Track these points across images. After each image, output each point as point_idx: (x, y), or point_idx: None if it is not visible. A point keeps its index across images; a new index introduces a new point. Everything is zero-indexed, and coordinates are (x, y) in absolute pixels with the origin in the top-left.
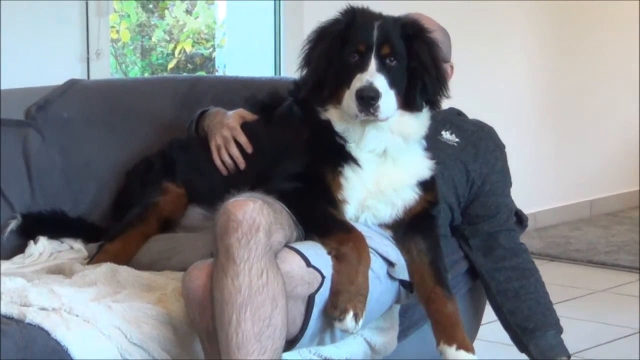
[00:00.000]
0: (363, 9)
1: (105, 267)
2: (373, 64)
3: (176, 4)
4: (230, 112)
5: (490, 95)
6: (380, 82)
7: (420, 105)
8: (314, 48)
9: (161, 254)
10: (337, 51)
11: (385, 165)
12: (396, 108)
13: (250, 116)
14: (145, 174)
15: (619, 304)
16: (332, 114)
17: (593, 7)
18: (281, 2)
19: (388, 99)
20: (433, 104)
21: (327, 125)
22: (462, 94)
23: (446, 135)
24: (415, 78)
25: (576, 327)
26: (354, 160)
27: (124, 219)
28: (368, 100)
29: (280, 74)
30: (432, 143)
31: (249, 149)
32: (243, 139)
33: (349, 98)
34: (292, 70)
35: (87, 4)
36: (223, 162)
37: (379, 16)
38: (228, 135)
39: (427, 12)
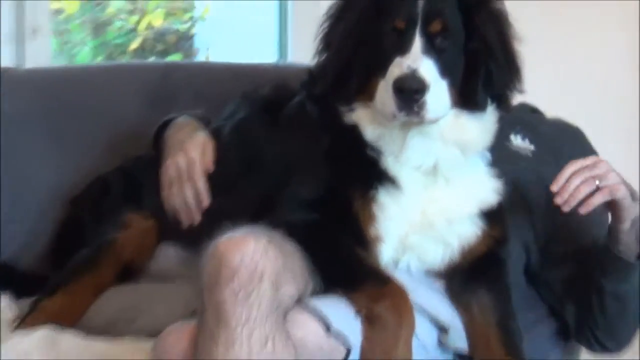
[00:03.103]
0: None
1: (42, 333)
2: (418, 43)
3: None
4: (201, 134)
5: (576, 88)
6: (427, 68)
7: (484, 102)
8: (335, 25)
9: (121, 313)
10: (368, 28)
11: (436, 187)
12: (450, 106)
13: (211, 154)
14: (100, 200)
15: None
16: (361, 116)
17: None
18: None
19: (438, 92)
20: (501, 101)
21: (355, 131)
22: (538, 86)
23: (517, 141)
24: (476, 64)
25: None
26: (392, 181)
27: (68, 263)
28: (410, 93)
29: (287, 58)
30: (499, 153)
31: (203, 201)
32: (200, 184)
33: (384, 91)
34: (304, 53)
35: None
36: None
37: None
38: (184, 166)
39: None
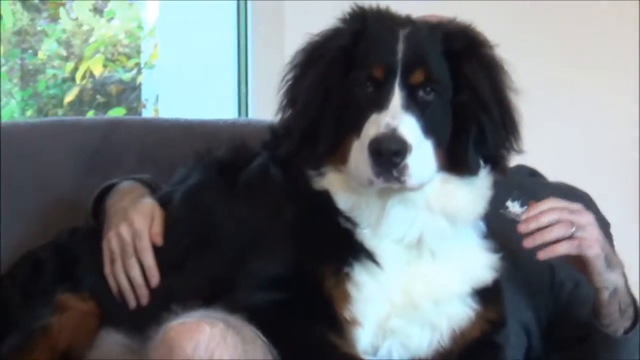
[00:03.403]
0: (379, 11)
1: None
2: (397, 97)
3: None
4: (148, 201)
5: (578, 146)
6: (408, 126)
7: (476, 164)
8: (301, 77)
9: None
10: (338, 79)
11: (420, 262)
12: (435, 169)
13: (160, 225)
14: (30, 279)
15: None
16: (332, 181)
17: None
18: None
19: (422, 154)
20: (496, 162)
21: (325, 197)
22: (534, 143)
23: (515, 208)
24: (467, 120)
25: None
26: (369, 255)
27: None
28: (389, 156)
29: (247, 113)
30: (494, 222)
31: (153, 278)
32: (149, 261)
33: (359, 153)
34: (266, 107)
35: None
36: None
37: (406, 21)
38: (128, 238)
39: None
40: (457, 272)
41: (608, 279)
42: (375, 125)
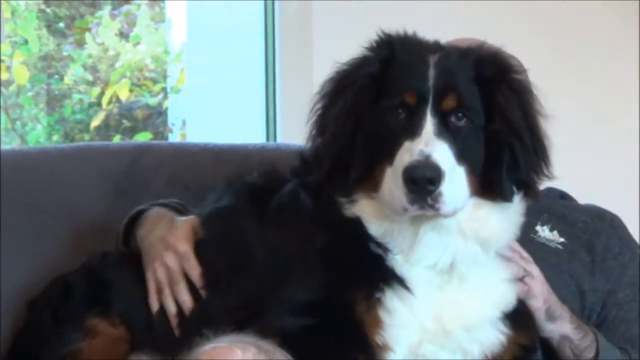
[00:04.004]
0: (407, 37)
1: None
2: (429, 123)
3: (103, 21)
4: (180, 222)
5: (611, 170)
6: (442, 153)
7: (510, 191)
8: (330, 105)
9: None
10: (368, 107)
11: (450, 288)
12: (468, 195)
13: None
14: (61, 303)
15: None
16: (364, 208)
17: None
18: (275, 7)
19: (455, 181)
20: (528, 188)
21: (356, 225)
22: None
23: (544, 232)
24: (499, 147)
25: None
26: (401, 282)
27: None
28: (423, 184)
29: (275, 138)
30: (524, 247)
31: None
32: (197, 272)
33: (392, 181)
34: (295, 131)
35: None
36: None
37: (435, 46)
38: (174, 265)
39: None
40: (486, 297)
41: (551, 331)
42: (408, 153)
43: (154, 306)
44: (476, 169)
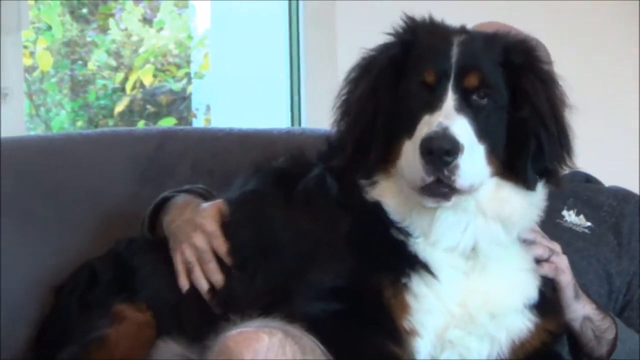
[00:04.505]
0: (431, 21)
1: None
2: (450, 99)
3: (127, 6)
4: (206, 205)
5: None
6: (461, 127)
7: (534, 179)
8: (354, 90)
9: None
10: (388, 89)
11: (475, 274)
12: (488, 174)
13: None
14: (87, 289)
15: None
16: (383, 189)
17: None
18: (300, 2)
19: (474, 157)
20: (550, 175)
21: (378, 209)
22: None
23: (570, 217)
24: (526, 135)
25: None
26: (425, 267)
27: None
28: (440, 154)
29: (300, 122)
30: (550, 232)
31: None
32: (224, 249)
33: (411, 153)
34: (319, 116)
35: None
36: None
37: (461, 30)
38: (203, 245)
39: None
40: (511, 287)
41: (575, 310)
42: (427, 125)
43: (184, 286)
44: (498, 148)
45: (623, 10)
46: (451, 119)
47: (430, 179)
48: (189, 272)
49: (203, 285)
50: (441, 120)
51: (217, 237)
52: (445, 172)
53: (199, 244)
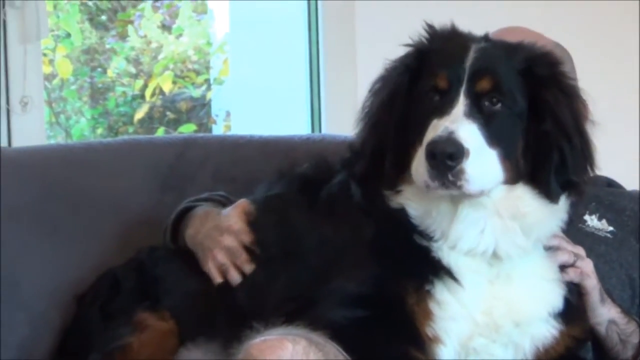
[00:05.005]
0: (453, 28)
1: None
2: (461, 104)
3: (145, 13)
4: (228, 208)
5: None
6: (467, 132)
7: (557, 193)
8: (374, 99)
9: None
10: (403, 96)
11: (499, 282)
12: (500, 179)
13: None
14: (109, 298)
15: None
16: (406, 194)
17: None
18: (319, 2)
19: (484, 162)
20: (574, 189)
21: (402, 216)
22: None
23: (592, 222)
24: (549, 148)
25: None
26: (449, 274)
27: None
28: (443, 159)
29: (320, 129)
30: (572, 237)
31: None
32: (249, 238)
33: (419, 158)
34: (340, 122)
35: (3, 20)
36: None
37: (481, 38)
38: (234, 244)
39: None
40: (535, 296)
41: (601, 314)
42: (434, 130)
43: (216, 280)
44: (511, 154)
45: (623, 10)
46: (458, 123)
47: (434, 184)
48: (225, 275)
49: (238, 281)
50: (447, 125)
51: (245, 233)
52: (450, 177)
53: (229, 244)
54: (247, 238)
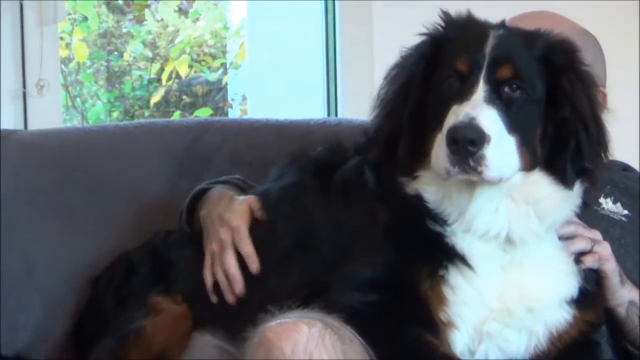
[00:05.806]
0: (469, 16)
1: None
2: (481, 90)
3: None
4: (240, 198)
5: None
6: (488, 118)
7: (572, 179)
8: (390, 86)
9: None
10: (420, 83)
11: (513, 268)
12: (518, 167)
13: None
14: (124, 281)
15: None
16: (421, 180)
17: None
18: None
19: (503, 148)
20: (588, 176)
21: (417, 202)
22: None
23: (607, 205)
24: (567, 135)
25: None
26: (463, 259)
27: (90, 356)
28: (464, 144)
29: (336, 113)
30: (587, 220)
31: (253, 264)
32: (248, 249)
33: (440, 144)
34: (356, 106)
35: (21, 4)
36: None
37: (499, 25)
38: (227, 238)
39: None
40: (549, 284)
41: (622, 296)
42: (454, 115)
43: (207, 281)
44: (530, 141)
45: (623, 10)
46: (479, 109)
47: (454, 170)
48: (212, 265)
49: (219, 275)
50: (468, 111)
51: (240, 232)
52: (471, 163)
53: (223, 237)
54: (239, 237)
